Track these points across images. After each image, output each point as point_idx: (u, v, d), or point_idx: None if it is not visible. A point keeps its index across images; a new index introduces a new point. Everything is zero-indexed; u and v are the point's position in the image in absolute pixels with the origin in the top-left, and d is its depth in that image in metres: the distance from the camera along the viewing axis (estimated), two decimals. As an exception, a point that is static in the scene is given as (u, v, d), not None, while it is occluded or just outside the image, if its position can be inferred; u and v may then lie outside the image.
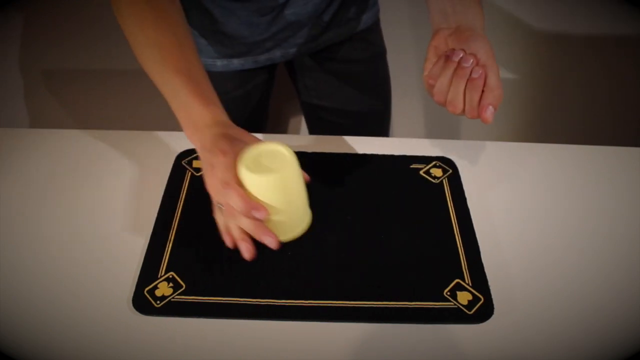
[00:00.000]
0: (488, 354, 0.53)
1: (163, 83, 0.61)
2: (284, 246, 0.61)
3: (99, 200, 0.67)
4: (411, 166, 0.72)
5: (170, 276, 0.58)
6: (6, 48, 1.30)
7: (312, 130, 1.05)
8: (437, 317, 0.55)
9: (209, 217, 0.64)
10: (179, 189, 0.68)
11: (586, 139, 0.80)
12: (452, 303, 0.56)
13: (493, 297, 0.57)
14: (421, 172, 0.71)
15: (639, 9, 1.23)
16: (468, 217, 0.65)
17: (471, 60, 0.57)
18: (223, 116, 0.60)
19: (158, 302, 0.56)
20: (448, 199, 0.68)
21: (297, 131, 1.48)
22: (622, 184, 0.72)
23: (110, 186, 0.69)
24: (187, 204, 0.66)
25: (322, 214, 0.65)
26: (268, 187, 0.54)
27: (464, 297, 0.57)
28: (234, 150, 0.55)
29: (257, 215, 0.53)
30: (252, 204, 0.53)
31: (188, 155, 0.73)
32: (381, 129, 1.02)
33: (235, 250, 0.61)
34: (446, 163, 0.73)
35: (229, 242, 0.58)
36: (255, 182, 0.54)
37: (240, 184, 0.54)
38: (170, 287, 0.57)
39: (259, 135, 0.76)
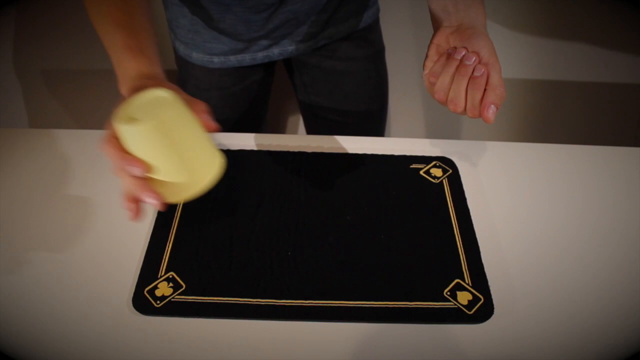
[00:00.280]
0: (488, 354, 0.53)
1: (103, 37, 0.59)
2: (284, 245, 0.61)
3: (98, 200, 0.67)
4: (411, 166, 0.72)
5: (170, 276, 0.58)
6: (6, 48, 1.30)
7: (309, 128, 1.05)
8: (437, 317, 0.55)
9: (209, 217, 0.65)
10: (179, 189, 0.68)
11: (586, 139, 0.80)
12: (452, 303, 0.56)
13: (493, 297, 0.57)
14: (421, 172, 0.71)
15: (639, 9, 1.23)
16: (468, 217, 0.65)
17: (474, 58, 0.57)
18: (148, 68, 0.56)
19: (158, 302, 0.56)
20: (448, 199, 0.68)
21: (296, 130, 1.48)
22: (622, 184, 0.72)
23: (110, 186, 0.69)
24: (187, 204, 0.66)
25: (322, 214, 0.65)
26: (143, 138, 0.47)
27: (464, 297, 0.57)
28: None
29: (132, 171, 0.48)
30: (125, 159, 0.48)
31: (188, 155, 0.73)
32: (378, 127, 1.02)
33: (235, 251, 0.61)
34: (446, 163, 0.73)
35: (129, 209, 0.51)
36: (128, 135, 0.47)
37: (116, 138, 0.49)
38: (170, 287, 0.57)
39: (257, 135, 0.76)
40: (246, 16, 0.79)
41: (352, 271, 0.59)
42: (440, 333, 0.54)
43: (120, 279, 0.58)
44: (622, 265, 0.61)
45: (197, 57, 0.86)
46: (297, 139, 0.77)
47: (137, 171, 0.48)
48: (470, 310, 0.55)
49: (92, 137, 0.76)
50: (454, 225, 0.64)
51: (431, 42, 0.63)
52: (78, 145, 0.75)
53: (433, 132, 1.52)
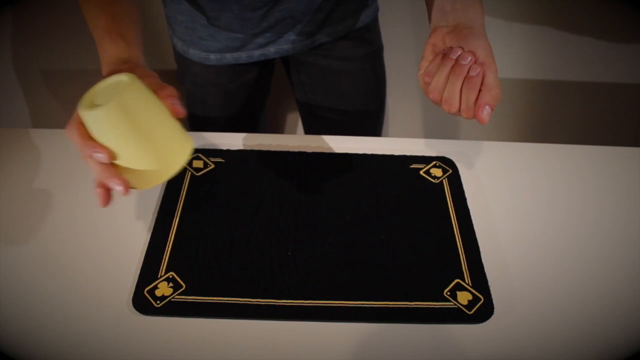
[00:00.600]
0: (488, 354, 0.53)
1: (88, 21, 0.60)
2: (284, 245, 0.61)
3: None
4: (411, 166, 0.72)
5: (170, 276, 0.58)
6: (6, 48, 1.30)
7: (308, 127, 1.05)
8: (437, 317, 0.55)
9: (209, 217, 0.65)
10: (178, 189, 0.68)
11: (586, 139, 0.80)
12: (452, 303, 0.56)
13: (493, 297, 0.57)
14: (421, 172, 0.71)
15: (639, 8, 1.23)
16: (468, 217, 0.65)
17: (469, 58, 0.57)
18: (126, 52, 0.56)
19: (158, 302, 0.56)
20: (448, 199, 0.68)
21: (295, 129, 1.48)
22: (622, 184, 0.72)
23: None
24: (187, 204, 0.66)
25: (322, 214, 0.65)
26: (107, 122, 0.46)
27: (464, 297, 0.57)
28: None
29: (97, 157, 0.47)
30: (88, 145, 0.47)
31: (188, 155, 0.73)
32: (376, 126, 1.02)
33: (235, 251, 0.61)
34: (446, 163, 0.73)
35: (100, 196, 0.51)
36: (90, 121, 0.46)
37: (81, 125, 0.48)
38: (170, 287, 0.57)
39: (257, 135, 0.77)
40: (242, 14, 0.79)
41: (352, 271, 0.59)
42: (440, 333, 0.54)
43: (120, 279, 0.58)
44: (622, 265, 0.61)
45: (194, 53, 0.86)
46: (297, 139, 0.77)
47: (102, 157, 0.47)
48: (470, 310, 0.55)
49: (92, 137, 0.76)
50: (454, 225, 0.64)
51: (427, 41, 0.63)
52: (78, 145, 0.75)
53: (432, 132, 1.53)
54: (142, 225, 0.64)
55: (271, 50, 0.86)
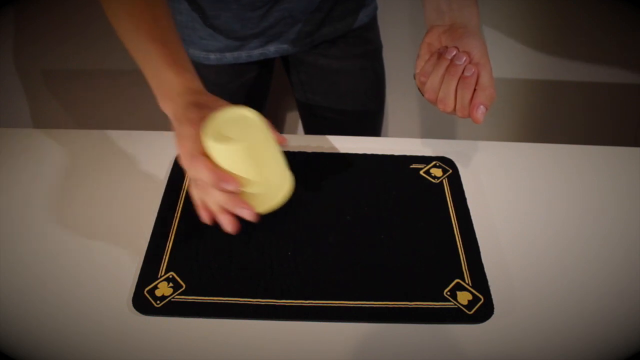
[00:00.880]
0: (488, 354, 0.53)
1: (136, 51, 0.59)
2: (284, 245, 0.61)
3: (98, 200, 0.67)
4: (411, 166, 0.72)
5: (170, 276, 0.58)
6: (6, 48, 1.30)
7: (307, 127, 1.05)
8: (437, 317, 0.55)
9: (209, 217, 0.64)
10: (178, 189, 0.68)
11: (586, 139, 0.80)
12: (452, 303, 0.56)
13: (493, 297, 0.57)
14: (421, 172, 0.71)
15: (639, 9, 1.23)
16: (468, 217, 0.65)
17: (464, 58, 0.57)
18: (195, 83, 0.58)
19: (158, 302, 0.56)
20: (448, 199, 0.68)
21: (294, 129, 1.48)
22: (622, 184, 0.72)
23: (110, 186, 0.69)
24: (187, 204, 0.66)
25: (322, 213, 0.65)
26: (236, 156, 0.51)
27: (464, 297, 0.57)
28: (203, 120, 0.52)
29: (228, 187, 0.50)
30: (221, 176, 0.50)
31: (188, 155, 0.73)
32: (375, 126, 1.02)
33: (235, 251, 0.61)
34: (446, 163, 0.73)
35: (205, 217, 0.55)
36: (222, 153, 0.50)
37: (207, 155, 0.51)
38: (170, 287, 0.57)
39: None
40: (241, 13, 0.79)
41: (352, 271, 0.59)
42: (440, 333, 0.54)
43: (120, 279, 0.58)
44: (622, 265, 0.61)
45: (193, 53, 0.86)
46: (297, 139, 0.77)
47: (233, 187, 0.51)
48: (470, 310, 0.55)
49: (92, 137, 0.76)
50: (454, 225, 0.64)
51: (423, 41, 0.63)
52: (78, 145, 0.75)
53: (432, 132, 1.53)
54: (142, 225, 0.64)
55: (271, 50, 0.86)
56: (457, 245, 0.62)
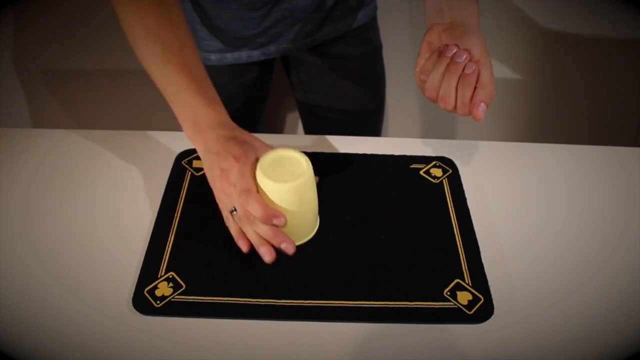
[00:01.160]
0: (488, 354, 0.53)
1: (163, 79, 0.60)
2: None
3: (98, 200, 0.67)
4: (411, 166, 0.72)
5: (170, 276, 0.58)
6: (6, 48, 1.30)
7: (307, 127, 1.05)
8: (437, 317, 0.55)
9: (209, 217, 0.64)
10: (179, 189, 0.68)
11: (586, 139, 0.80)
12: (452, 303, 0.56)
13: (493, 297, 0.57)
14: (421, 172, 0.71)
15: (639, 9, 1.23)
16: (468, 217, 0.65)
17: (464, 56, 0.57)
18: (227, 117, 0.60)
19: (158, 302, 0.56)
20: (448, 199, 0.68)
21: (295, 129, 1.48)
22: (622, 184, 0.72)
23: (110, 186, 0.69)
24: (187, 204, 0.66)
25: (322, 214, 0.65)
26: (286, 194, 0.55)
27: (464, 297, 0.57)
28: (246, 156, 0.56)
29: (277, 222, 0.55)
30: (272, 212, 0.54)
31: (188, 155, 0.73)
32: (375, 126, 1.02)
33: (235, 251, 0.61)
34: (446, 163, 0.73)
35: (244, 246, 0.58)
36: (274, 189, 0.55)
37: (258, 190, 0.56)
38: (170, 287, 0.57)
39: (257, 135, 0.76)
40: (242, 14, 0.79)
41: (352, 271, 0.59)
42: (440, 333, 0.54)
43: (120, 279, 0.58)
44: (622, 265, 0.61)
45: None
46: (297, 139, 0.77)
47: (280, 222, 0.55)
48: (470, 310, 0.55)
49: (92, 137, 0.76)
50: (454, 225, 0.64)
51: (423, 39, 0.63)
52: (78, 145, 0.75)
53: (432, 132, 1.53)
54: (142, 225, 0.64)
55: (271, 50, 0.86)
56: (457, 245, 0.62)
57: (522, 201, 0.69)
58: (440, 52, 0.59)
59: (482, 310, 0.56)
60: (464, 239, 0.63)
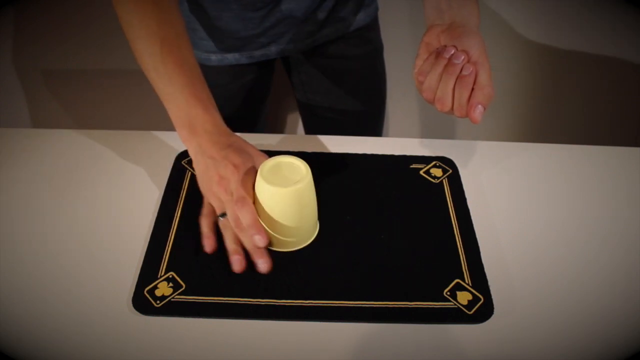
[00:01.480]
0: (488, 354, 0.53)
1: (160, 79, 0.60)
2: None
3: (98, 200, 0.67)
4: (411, 166, 0.72)
5: (170, 276, 0.58)
6: (6, 48, 1.30)
7: (308, 127, 1.05)
8: (437, 317, 0.55)
9: (209, 217, 0.64)
10: (178, 189, 0.68)
11: (586, 139, 0.80)
12: (452, 303, 0.56)
13: (493, 297, 0.57)
14: (421, 172, 0.71)
15: (638, 9, 1.23)
16: (468, 217, 0.65)
17: (462, 57, 0.57)
18: (221, 121, 0.60)
19: (158, 302, 0.56)
20: (448, 199, 0.68)
21: (295, 129, 1.48)
22: (622, 184, 0.72)
23: (110, 186, 0.69)
24: (187, 204, 0.66)
25: (322, 214, 0.65)
26: (286, 199, 0.56)
27: (464, 297, 0.57)
28: (245, 165, 0.56)
29: (257, 241, 0.55)
30: (259, 228, 0.55)
31: (188, 155, 0.73)
32: (376, 126, 1.02)
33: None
34: (446, 163, 0.73)
35: (209, 246, 0.59)
36: (274, 194, 0.55)
37: (253, 200, 0.56)
38: (170, 287, 0.57)
39: (257, 135, 0.77)
40: (242, 14, 0.79)
41: (352, 271, 0.59)
42: (440, 333, 0.54)
43: (120, 279, 0.58)
44: (622, 265, 0.61)
45: (194, 54, 0.86)
46: (297, 139, 0.77)
47: (260, 242, 0.55)
48: (470, 310, 0.55)
49: (92, 137, 0.76)
50: (454, 225, 0.64)
51: (422, 40, 0.63)
52: (78, 145, 0.75)
53: (432, 132, 1.53)
54: (142, 225, 0.64)
55: (272, 50, 0.86)
56: (457, 245, 0.62)
57: (522, 201, 0.69)
58: (438, 53, 0.59)
59: (482, 310, 0.56)
60: (464, 239, 0.63)
